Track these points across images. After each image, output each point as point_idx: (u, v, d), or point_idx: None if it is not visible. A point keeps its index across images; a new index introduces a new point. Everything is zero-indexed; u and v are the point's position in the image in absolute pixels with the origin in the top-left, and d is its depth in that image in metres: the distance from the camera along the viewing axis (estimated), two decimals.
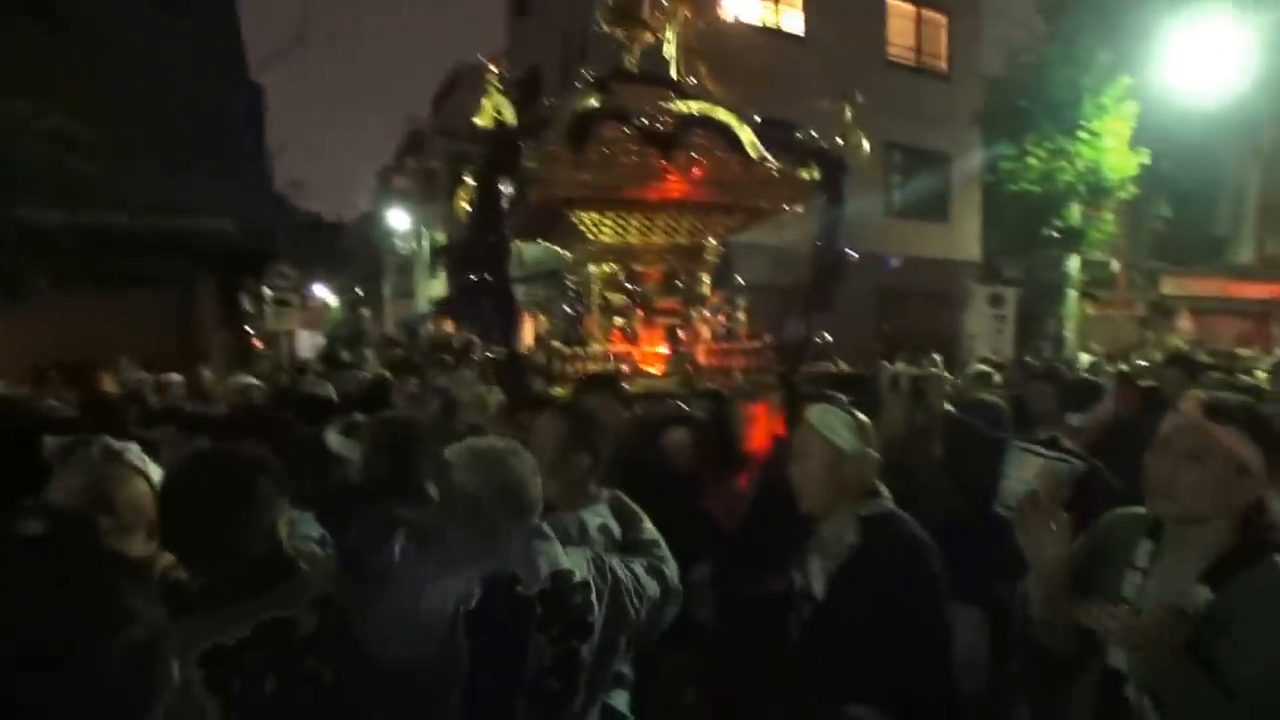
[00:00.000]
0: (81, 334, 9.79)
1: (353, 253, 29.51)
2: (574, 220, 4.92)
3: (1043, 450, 3.34)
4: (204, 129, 11.86)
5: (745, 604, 3.37)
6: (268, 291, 15.94)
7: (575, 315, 5.23)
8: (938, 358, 9.92)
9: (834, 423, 2.20)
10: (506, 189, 4.97)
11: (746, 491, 3.63)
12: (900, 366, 5.90)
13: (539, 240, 5.92)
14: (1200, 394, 1.79)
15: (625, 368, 4.87)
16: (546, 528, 1.84)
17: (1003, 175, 15.80)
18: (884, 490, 2.22)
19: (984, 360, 8.62)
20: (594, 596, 1.82)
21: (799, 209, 5.17)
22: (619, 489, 3.43)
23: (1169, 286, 19.87)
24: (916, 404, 4.26)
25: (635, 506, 2.35)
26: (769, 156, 5.00)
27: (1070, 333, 16.06)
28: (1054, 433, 3.31)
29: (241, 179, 12.51)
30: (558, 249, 5.80)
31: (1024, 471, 3.41)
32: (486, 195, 4.74)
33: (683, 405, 4.72)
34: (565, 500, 2.26)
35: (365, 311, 29.55)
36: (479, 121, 4.73)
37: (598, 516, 2.22)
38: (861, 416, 2.26)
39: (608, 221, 4.98)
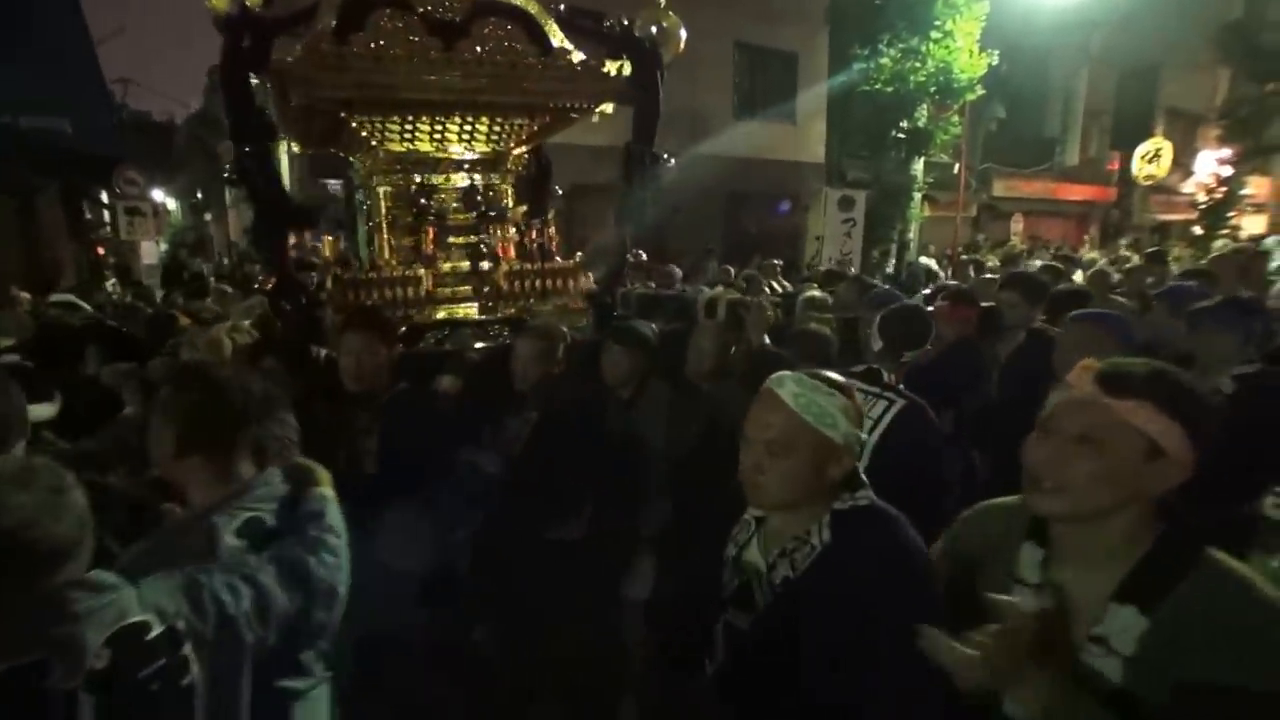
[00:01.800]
0: None
1: (189, 154, 26.70)
2: (353, 126, 4.22)
3: (861, 385, 3.09)
4: (17, 16, 10.20)
5: (523, 551, 3.07)
6: (105, 197, 14.28)
7: (366, 234, 4.59)
8: (778, 263, 9.82)
9: (826, 407, 1.59)
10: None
11: (524, 433, 3.26)
12: (718, 291, 5.61)
13: (330, 149, 5.17)
14: (1093, 362, 1.39)
15: (414, 293, 4.31)
16: (100, 575, 1.27)
17: (854, 76, 15.63)
18: (863, 476, 1.68)
19: (830, 273, 8.48)
20: (190, 647, 1.29)
21: (609, 108, 4.63)
22: (382, 440, 3.00)
23: (999, 188, 20.68)
24: (733, 333, 3.96)
25: (313, 471, 1.83)
26: (572, 48, 4.42)
27: (914, 236, 16.44)
28: (873, 365, 3.02)
29: (70, 74, 10.84)
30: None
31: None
32: (235, 97, 3.97)
33: (474, 336, 4.27)
34: (202, 498, 1.71)
35: (208, 217, 27.09)
36: (213, 6, 3.91)
37: (244, 512, 1.65)
38: (840, 380, 1.67)
39: (392, 127, 4.31)
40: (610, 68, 4.46)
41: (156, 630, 1.26)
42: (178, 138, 29.03)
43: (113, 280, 12.20)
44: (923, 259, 12.87)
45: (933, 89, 15.20)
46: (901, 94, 15.26)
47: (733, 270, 9.02)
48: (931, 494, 2.69)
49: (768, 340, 4.15)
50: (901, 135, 15.79)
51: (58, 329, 5.23)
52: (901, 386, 2.99)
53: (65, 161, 11.24)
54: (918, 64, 14.92)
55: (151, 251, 15.47)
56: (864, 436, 1.67)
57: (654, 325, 3.72)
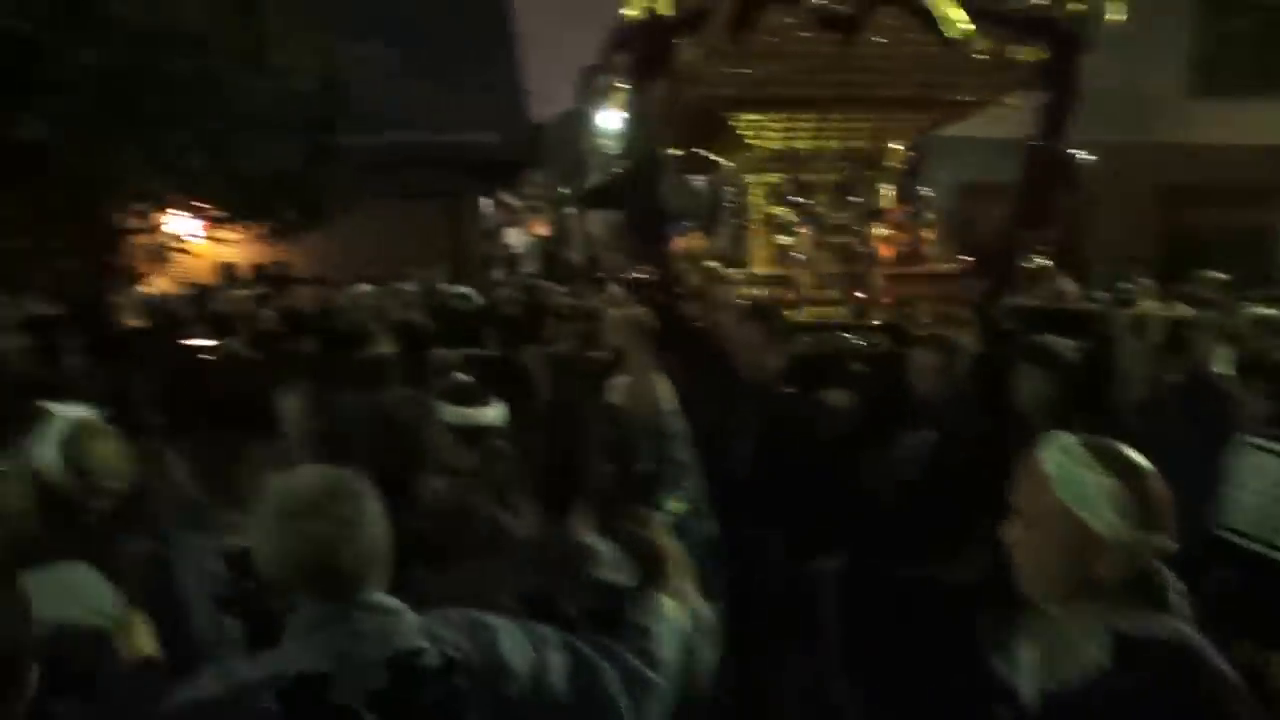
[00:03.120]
0: (371, 246, 11.20)
1: (555, 153, 30.44)
2: (733, 123, 4.58)
3: None
4: (464, 37, 13.23)
5: (903, 592, 2.96)
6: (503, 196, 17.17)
7: (734, 232, 4.95)
8: (1224, 276, 8.43)
9: (1084, 485, 1.39)
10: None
11: (916, 460, 3.17)
12: (1148, 304, 5.04)
13: (702, 148, 5.62)
14: None
15: (789, 294, 4.53)
16: (385, 600, 1.38)
17: None
18: (1174, 597, 1.46)
19: None
20: (464, 679, 1.37)
21: (1014, 99, 4.46)
22: (755, 451, 3.05)
23: None
24: (1172, 358, 3.51)
25: (663, 563, 1.70)
26: (976, 36, 4.33)
27: None
28: None
29: (498, 91, 13.82)
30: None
31: (1261, 480, 2.64)
32: (636, 98, 4.54)
33: (852, 341, 4.35)
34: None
35: (571, 211, 30.66)
36: (628, 13, 4.51)
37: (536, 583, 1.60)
38: (1137, 460, 1.42)
39: (772, 124, 4.59)
40: (1018, 54, 4.29)
41: (433, 659, 1.36)
42: (549, 135, 32.97)
43: (501, 271, 14.55)
44: None
45: None
46: None
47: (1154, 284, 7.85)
48: None
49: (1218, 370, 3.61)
50: None
51: (457, 315, 6.20)
52: None
53: (486, 168, 14.01)
54: None
55: (522, 242, 18.13)
56: (1159, 539, 1.39)
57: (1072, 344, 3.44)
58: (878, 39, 4.32)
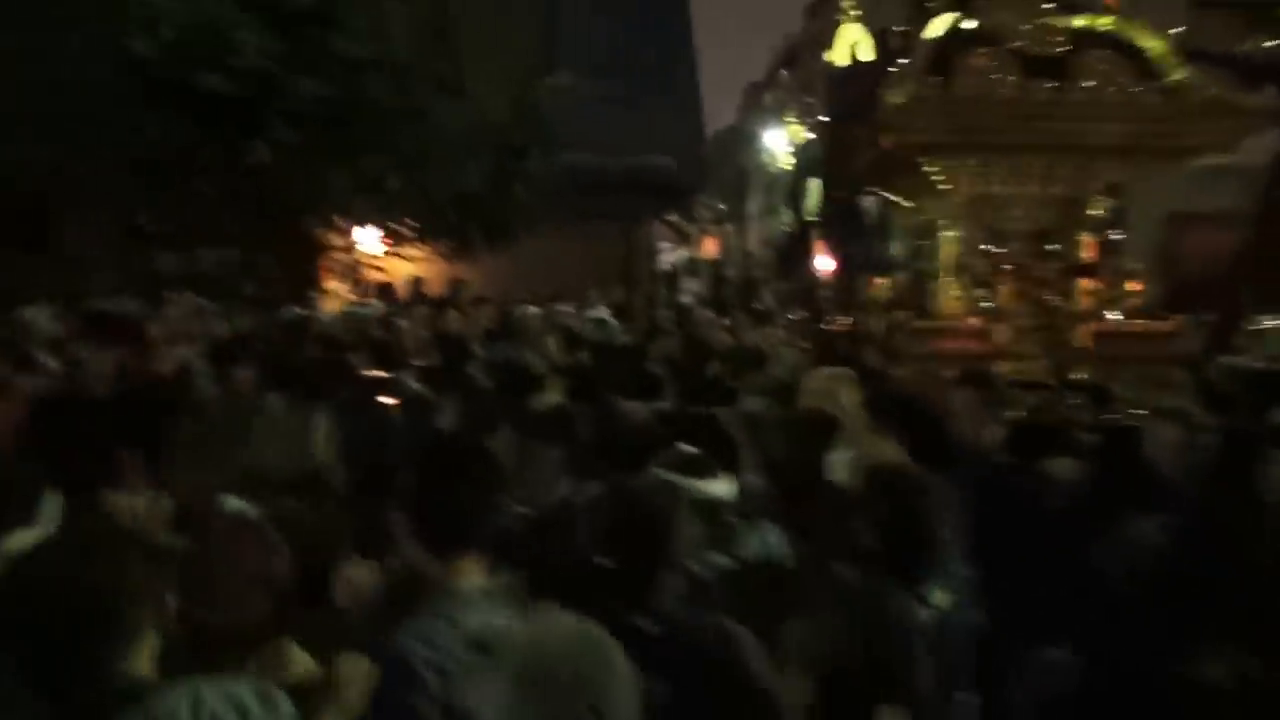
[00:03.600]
0: (545, 267, 11.55)
1: (715, 169, 30.65)
2: (926, 167, 4.58)
3: None
4: (650, 65, 14.10)
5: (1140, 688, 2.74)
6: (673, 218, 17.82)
7: (919, 279, 4.90)
8: None
9: None
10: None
11: (1155, 540, 3.00)
12: None
13: (878, 191, 5.59)
14: None
15: (983, 347, 4.45)
16: None
17: None
18: None
19: None
20: None
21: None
22: (971, 526, 2.95)
23: None
24: None
25: None
26: (1198, 79, 4.18)
27: None
28: None
29: (678, 115, 14.72)
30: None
31: None
32: (836, 144, 4.62)
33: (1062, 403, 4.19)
34: None
35: (729, 227, 30.78)
36: (832, 59, 4.59)
37: None
38: None
39: (965, 170, 4.55)
40: (1246, 100, 4.11)
41: None
42: (708, 151, 32.99)
43: (663, 289, 14.92)
44: None
45: None
46: None
47: None
48: None
49: None
50: None
51: (613, 351, 5.87)
52: None
53: (662, 191, 14.65)
54: None
55: (681, 260, 18.45)
56: None
57: None
58: (1087, 84, 4.24)
